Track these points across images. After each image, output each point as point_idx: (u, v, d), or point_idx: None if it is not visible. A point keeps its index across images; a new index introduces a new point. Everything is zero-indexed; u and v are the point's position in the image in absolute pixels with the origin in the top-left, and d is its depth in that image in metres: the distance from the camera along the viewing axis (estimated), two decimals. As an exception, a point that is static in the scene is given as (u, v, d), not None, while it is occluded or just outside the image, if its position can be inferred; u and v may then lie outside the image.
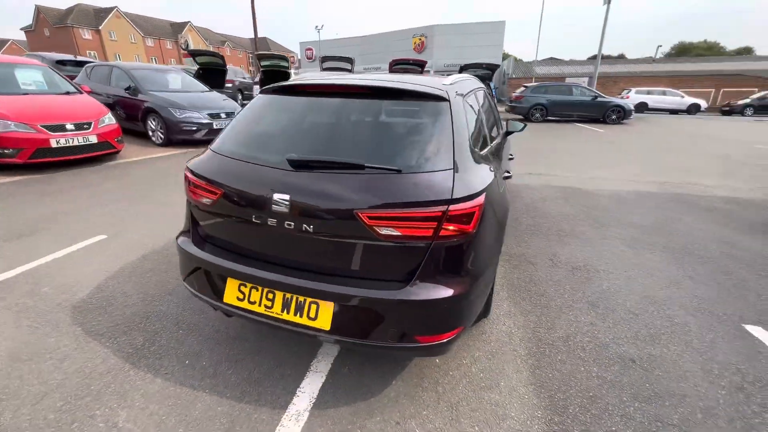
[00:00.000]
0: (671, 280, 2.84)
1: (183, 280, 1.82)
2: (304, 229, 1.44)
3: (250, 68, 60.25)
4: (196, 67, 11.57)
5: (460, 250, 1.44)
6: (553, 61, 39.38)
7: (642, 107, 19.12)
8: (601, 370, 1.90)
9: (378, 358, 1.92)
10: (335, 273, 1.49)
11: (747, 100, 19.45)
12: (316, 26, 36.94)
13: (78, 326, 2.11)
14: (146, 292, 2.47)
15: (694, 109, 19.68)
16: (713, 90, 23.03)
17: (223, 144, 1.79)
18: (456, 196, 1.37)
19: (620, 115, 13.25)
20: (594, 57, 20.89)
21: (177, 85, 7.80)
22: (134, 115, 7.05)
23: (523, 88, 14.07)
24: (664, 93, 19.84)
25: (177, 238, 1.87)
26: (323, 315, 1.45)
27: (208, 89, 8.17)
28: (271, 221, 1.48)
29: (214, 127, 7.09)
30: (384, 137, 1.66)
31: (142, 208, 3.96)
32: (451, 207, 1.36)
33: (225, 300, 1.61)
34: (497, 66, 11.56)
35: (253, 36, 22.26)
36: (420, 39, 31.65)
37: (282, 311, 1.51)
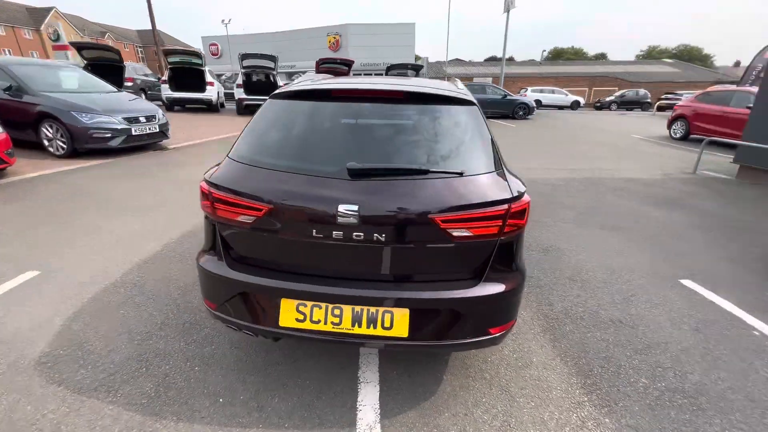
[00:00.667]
0: (617, 250, 3.40)
1: (214, 310, 1.62)
2: (375, 239, 1.41)
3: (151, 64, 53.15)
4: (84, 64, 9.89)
5: (515, 245, 1.56)
6: (458, 62, 42.63)
7: (538, 104, 21.92)
8: (603, 333, 2.22)
9: (420, 358, 1.96)
10: (407, 279, 1.50)
11: (612, 98, 23.68)
12: (223, 20, 34.14)
13: (56, 385, 1.72)
14: (129, 329, 2.11)
15: (576, 105, 23.22)
16: (587, 89, 27.53)
17: (252, 154, 1.64)
18: (514, 194, 1.49)
19: (526, 111, 15.06)
20: (490, 59, 23.12)
21: (73, 84, 6.57)
22: (21, 122, 5.74)
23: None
24: (553, 91, 23.02)
25: (198, 260, 1.65)
26: (399, 323, 1.45)
27: (116, 89, 7.05)
28: (337, 234, 1.42)
29: (134, 133, 6.17)
30: (428, 141, 1.69)
31: (70, 235, 3.30)
32: (513, 204, 1.47)
33: (281, 324, 1.49)
34: (421, 67, 12.17)
35: (139, 28, 19.69)
36: (335, 38, 31.50)
37: (353, 326, 1.45)
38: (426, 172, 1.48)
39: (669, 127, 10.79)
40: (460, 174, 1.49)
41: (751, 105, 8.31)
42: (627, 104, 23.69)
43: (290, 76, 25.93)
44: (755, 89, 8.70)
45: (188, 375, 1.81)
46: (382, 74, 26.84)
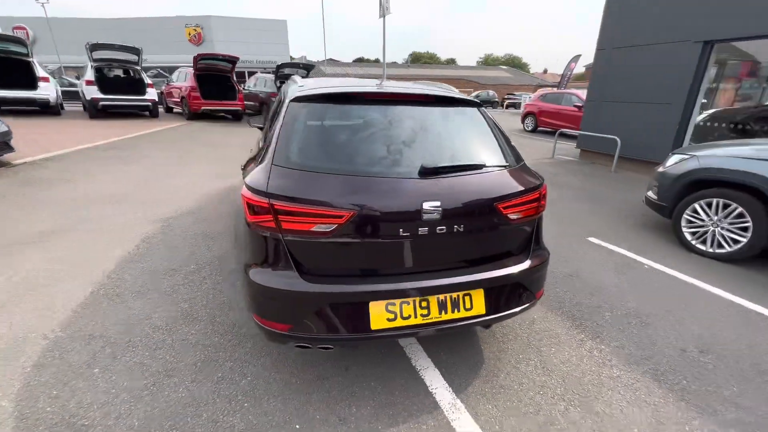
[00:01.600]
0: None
1: (287, 331, 1.50)
2: (454, 230, 1.54)
3: None
4: None
5: (541, 221, 1.90)
6: (333, 62, 43.14)
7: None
8: (565, 286, 2.81)
9: (456, 337, 2.16)
10: (478, 262, 1.67)
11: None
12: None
13: None
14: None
15: (444, 104, 26.25)
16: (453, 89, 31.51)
17: (304, 159, 1.56)
18: (540, 180, 1.82)
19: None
20: (358, 60, 24.27)
21: None
22: None
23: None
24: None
25: (255, 281, 1.49)
26: (477, 302, 1.62)
27: None
28: (422, 230, 1.50)
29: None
30: (463, 140, 1.87)
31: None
32: (542, 188, 1.80)
33: (374, 327, 1.49)
34: (313, 66, 12.05)
35: None
36: (195, 30, 28.15)
37: (440, 313, 1.56)
38: (482, 166, 1.68)
39: (522, 121, 13.37)
40: (507, 166, 1.74)
41: (578, 104, 10.97)
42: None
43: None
44: (578, 92, 11.54)
45: (244, 415, 1.61)
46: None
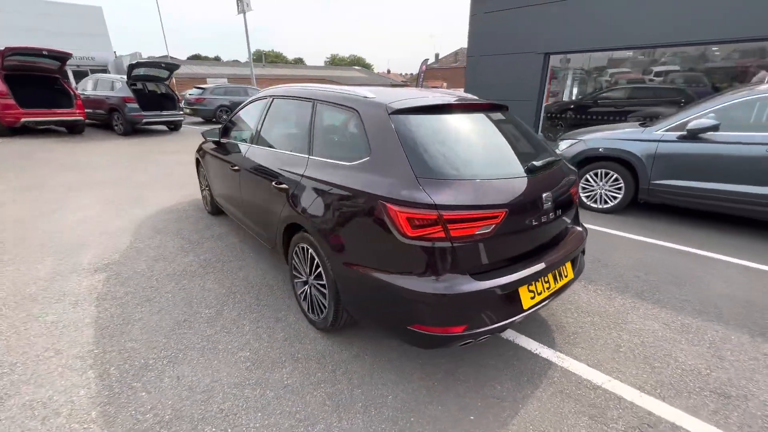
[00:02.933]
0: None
1: (463, 331, 1.58)
2: (557, 214, 1.90)
3: None
4: None
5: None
6: (199, 59, 37.23)
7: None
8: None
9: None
10: (561, 238, 2.06)
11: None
12: None
13: None
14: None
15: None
16: (314, 90, 31.51)
17: (444, 169, 1.64)
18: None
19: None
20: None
21: None
22: None
23: (198, 89, 13.37)
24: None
25: (427, 292, 1.53)
26: (569, 269, 2.03)
27: None
28: (543, 218, 1.80)
29: None
30: (527, 139, 2.20)
31: None
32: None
33: (525, 307, 1.73)
34: (177, 66, 10.50)
35: None
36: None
37: (555, 283, 1.91)
38: (560, 160, 2.08)
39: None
40: (559, 157, 2.19)
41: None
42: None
43: None
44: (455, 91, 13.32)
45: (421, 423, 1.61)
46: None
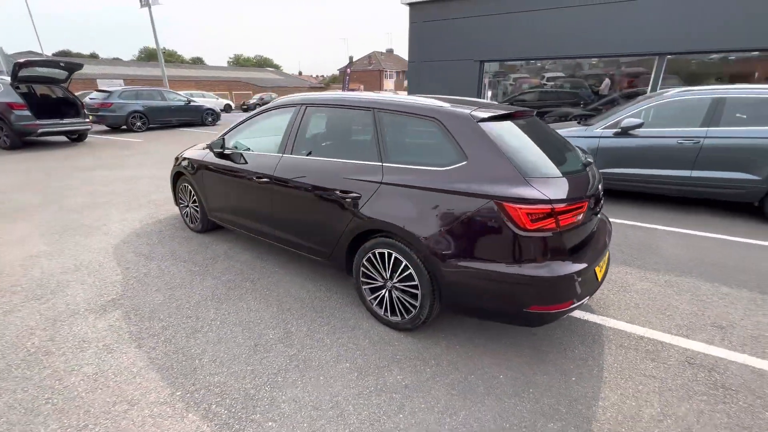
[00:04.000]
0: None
1: (569, 306, 1.86)
2: (601, 201, 2.30)
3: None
4: None
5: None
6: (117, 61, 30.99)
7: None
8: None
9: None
10: (601, 222, 2.47)
11: (254, 100, 26.83)
12: None
13: None
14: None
15: (228, 108, 24.42)
16: (227, 92, 29.27)
17: (540, 168, 1.89)
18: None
19: (214, 117, 14.60)
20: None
21: None
22: None
23: (103, 93, 11.45)
24: (203, 96, 22.85)
25: (544, 276, 1.78)
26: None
27: None
28: (598, 206, 2.18)
29: None
30: (559, 138, 2.54)
31: None
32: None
33: (599, 281, 2.08)
34: (79, 66, 9.01)
35: None
36: None
37: (604, 260, 2.31)
38: (592, 158, 2.49)
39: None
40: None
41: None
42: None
43: None
44: (397, 93, 13.73)
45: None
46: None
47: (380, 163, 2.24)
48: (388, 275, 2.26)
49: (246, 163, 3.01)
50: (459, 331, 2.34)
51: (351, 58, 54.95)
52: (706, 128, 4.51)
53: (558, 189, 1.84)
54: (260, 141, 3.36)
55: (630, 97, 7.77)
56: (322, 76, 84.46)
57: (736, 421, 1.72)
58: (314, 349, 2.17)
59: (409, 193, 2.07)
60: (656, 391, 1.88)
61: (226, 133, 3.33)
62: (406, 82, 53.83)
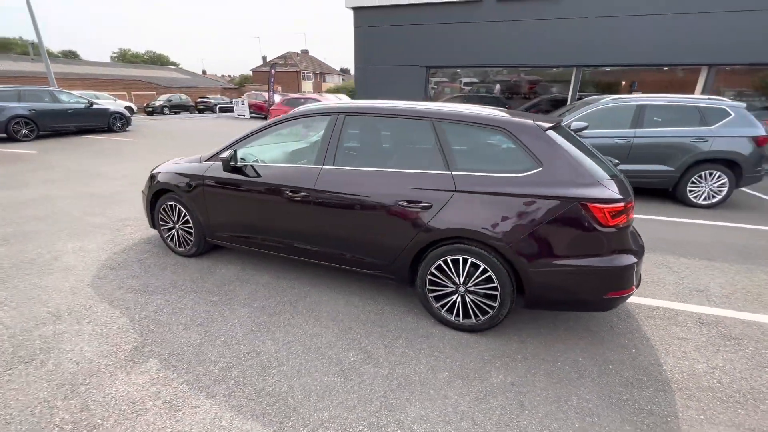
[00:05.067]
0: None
1: (633, 291, 2.14)
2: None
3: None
4: None
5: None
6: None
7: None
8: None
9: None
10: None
11: (161, 102, 23.86)
12: None
13: None
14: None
15: (130, 111, 21.30)
16: (125, 93, 25.40)
17: (600, 172, 2.14)
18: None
19: (123, 122, 12.57)
20: None
21: None
22: None
23: (-32, 94, 8.98)
24: (96, 96, 19.56)
25: (620, 266, 2.04)
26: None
27: None
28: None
29: None
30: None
31: None
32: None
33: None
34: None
35: None
36: None
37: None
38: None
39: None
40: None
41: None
42: (176, 108, 24.91)
43: None
44: (323, 96, 13.44)
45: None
46: None
47: (448, 172, 2.29)
48: (462, 280, 2.32)
49: (264, 176, 2.77)
50: (520, 326, 2.51)
51: (264, 58, 52.54)
52: (635, 129, 5.48)
53: (618, 188, 2.11)
54: (279, 153, 3.11)
55: (556, 101, 8.99)
56: (230, 75, 78.76)
57: (755, 362, 2.19)
58: (404, 364, 2.13)
59: (488, 200, 2.16)
60: (695, 349, 2.30)
61: (233, 145, 3.00)
62: (324, 84, 53.29)
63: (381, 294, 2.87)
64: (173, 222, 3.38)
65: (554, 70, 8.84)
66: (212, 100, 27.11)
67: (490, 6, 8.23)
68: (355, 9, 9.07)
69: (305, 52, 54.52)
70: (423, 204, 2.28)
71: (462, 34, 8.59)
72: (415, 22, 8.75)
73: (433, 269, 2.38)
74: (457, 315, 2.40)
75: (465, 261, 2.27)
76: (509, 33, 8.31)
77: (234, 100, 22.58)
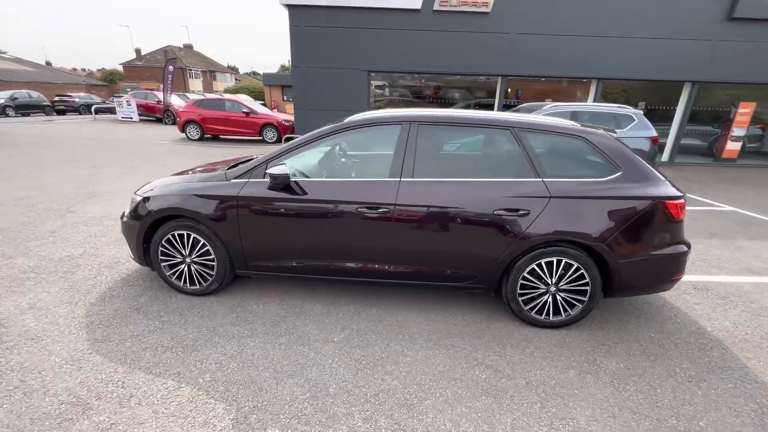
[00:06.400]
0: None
1: (684, 274, 2.55)
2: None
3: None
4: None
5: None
6: None
7: None
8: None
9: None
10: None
11: (3, 101, 18.52)
12: None
13: None
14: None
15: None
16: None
17: (659, 174, 2.50)
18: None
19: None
20: None
21: None
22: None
23: None
24: None
25: (675, 253, 2.41)
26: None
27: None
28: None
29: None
30: None
31: None
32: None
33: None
34: None
35: None
36: None
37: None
38: None
39: (183, 130, 12.08)
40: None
41: (245, 111, 11.77)
42: (24, 109, 19.62)
43: None
44: (240, 98, 12.19)
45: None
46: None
47: (540, 179, 2.38)
48: (554, 281, 2.45)
49: (327, 193, 2.48)
50: (582, 321, 2.76)
51: (138, 51, 45.09)
52: (572, 132, 6.46)
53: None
54: (325, 167, 2.79)
55: (480, 106, 9.94)
56: (85, 69, 65.56)
57: (753, 313, 2.85)
58: (531, 371, 2.15)
59: (581, 204, 2.33)
60: (711, 310, 2.86)
61: (277, 158, 2.58)
62: (216, 83, 48.29)
63: (453, 305, 2.83)
64: (182, 255, 2.73)
65: (481, 78, 9.79)
66: (77, 99, 22.16)
67: (426, 15, 8.66)
68: (289, 6, 8.50)
69: (189, 46, 48.80)
70: (522, 211, 2.33)
71: (401, 41, 8.84)
72: (356, 25, 8.65)
73: (525, 273, 2.45)
74: (547, 314, 2.53)
75: (559, 262, 2.40)
76: (443, 42, 8.89)
77: (115, 99, 18.83)
